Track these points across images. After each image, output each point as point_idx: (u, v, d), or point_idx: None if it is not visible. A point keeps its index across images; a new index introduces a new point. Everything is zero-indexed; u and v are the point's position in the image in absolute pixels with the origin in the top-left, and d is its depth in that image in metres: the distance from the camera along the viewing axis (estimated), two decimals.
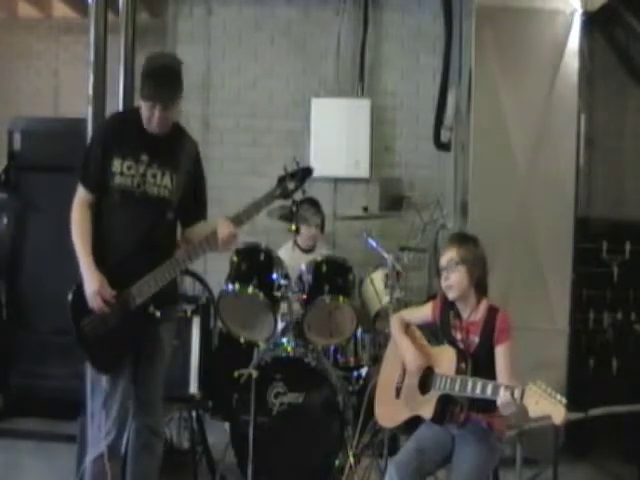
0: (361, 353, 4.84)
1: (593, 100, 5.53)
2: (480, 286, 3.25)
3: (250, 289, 4.25)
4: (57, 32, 6.45)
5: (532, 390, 2.73)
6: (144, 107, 3.20)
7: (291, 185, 3.34)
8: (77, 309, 3.22)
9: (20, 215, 5.34)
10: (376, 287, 4.67)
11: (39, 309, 5.15)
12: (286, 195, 3.35)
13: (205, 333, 4.17)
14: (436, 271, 3.68)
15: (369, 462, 4.13)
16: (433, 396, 3.14)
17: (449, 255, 3.24)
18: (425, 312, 3.42)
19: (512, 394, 2.80)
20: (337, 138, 6.10)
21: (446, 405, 3.11)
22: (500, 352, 3.12)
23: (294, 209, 3.70)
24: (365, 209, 5.97)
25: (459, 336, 3.25)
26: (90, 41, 4.84)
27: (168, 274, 3.21)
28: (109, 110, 4.79)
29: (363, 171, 6.11)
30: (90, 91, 4.80)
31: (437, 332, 3.36)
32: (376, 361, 4.55)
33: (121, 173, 3.25)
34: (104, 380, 3.22)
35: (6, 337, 5.27)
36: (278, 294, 4.30)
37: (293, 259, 4.80)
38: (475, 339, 3.20)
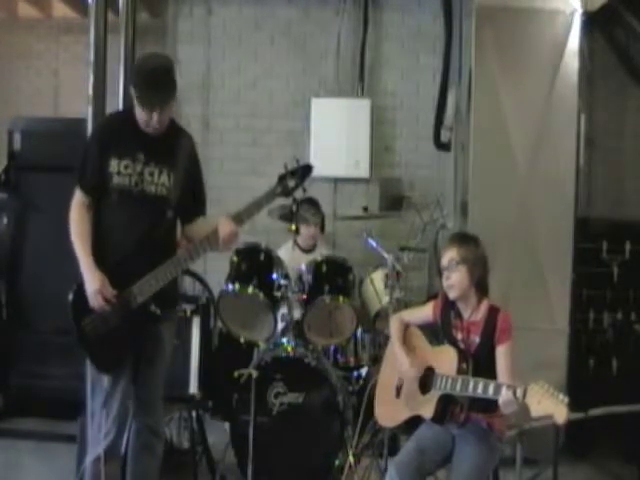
0: (361, 353, 4.85)
1: (593, 100, 5.53)
2: (481, 286, 3.25)
3: (250, 289, 4.25)
4: (57, 32, 6.45)
5: (534, 389, 2.73)
6: (140, 112, 3.18)
7: (291, 183, 3.32)
8: (78, 309, 3.21)
9: (20, 215, 5.33)
10: (376, 287, 4.67)
11: (39, 309, 5.15)
12: (287, 193, 3.34)
13: (205, 333, 4.17)
14: (437, 271, 3.68)
15: (369, 462, 4.13)
16: (434, 396, 3.14)
17: (450, 255, 3.24)
18: (426, 312, 3.42)
19: (514, 393, 2.80)
20: (337, 138, 6.09)
21: (447, 405, 3.11)
22: (501, 352, 3.12)
23: (294, 209, 3.69)
24: (365, 209, 5.97)
25: (460, 336, 3.24)
26: (90, 41, 4.85)
27: (169, 273, 3.21)
28: (109, 110, 4.81)
29: (363, 171, 6.10)
30: (90, 91, 4.81)
31: (438, 332, 3.36)
32: (376, 361, 4.55)
33: (118, 173, 3.23)
34: (105, 380, 3.22)
35: (6, 337, 5.27)
36: (278, 294, 4.30)
37: (293, 259, 4.79)
38: (476, 339, 3.20)
